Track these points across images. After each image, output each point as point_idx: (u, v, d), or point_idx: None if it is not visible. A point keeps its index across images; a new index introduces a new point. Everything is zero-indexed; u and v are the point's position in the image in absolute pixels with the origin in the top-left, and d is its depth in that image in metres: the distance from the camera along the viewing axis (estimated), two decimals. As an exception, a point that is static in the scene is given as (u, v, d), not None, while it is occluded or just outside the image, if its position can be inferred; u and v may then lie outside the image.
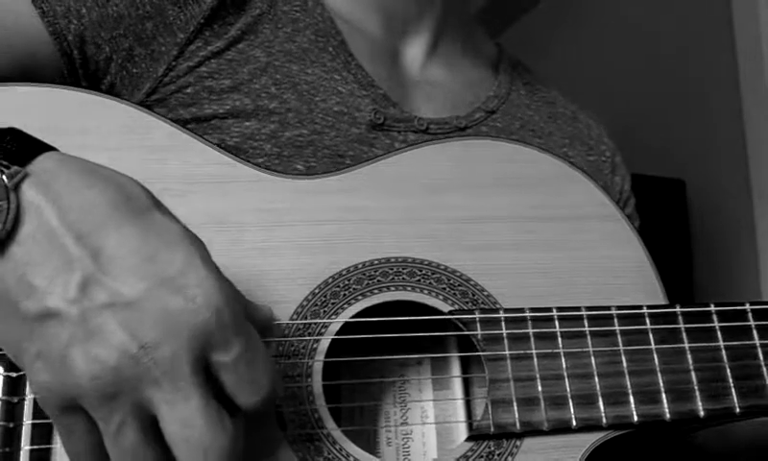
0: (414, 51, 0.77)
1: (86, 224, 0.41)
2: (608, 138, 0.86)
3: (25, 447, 0.50)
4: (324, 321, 0.56)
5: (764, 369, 0.59)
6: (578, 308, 0.59)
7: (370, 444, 0.60)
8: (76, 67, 0.64)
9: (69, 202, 0.41)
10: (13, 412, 0.50)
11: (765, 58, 1.85)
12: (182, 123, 0.64)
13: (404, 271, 0.59)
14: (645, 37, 2.21)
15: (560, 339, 0.58)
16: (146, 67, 0.65)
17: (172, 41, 0.65)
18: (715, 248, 1.94)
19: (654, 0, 2.19)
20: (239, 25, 0.68)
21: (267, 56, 0.68)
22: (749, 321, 0.60)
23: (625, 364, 0.58)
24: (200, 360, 0.40)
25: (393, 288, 0.58)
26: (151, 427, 0.40)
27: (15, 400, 0.50)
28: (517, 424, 0.55)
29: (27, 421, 0.50)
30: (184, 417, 0.39)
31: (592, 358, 0.57)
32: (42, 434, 0.50)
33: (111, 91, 0.65)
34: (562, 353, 0.57)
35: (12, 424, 0.50)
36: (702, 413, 0.57)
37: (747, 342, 0.60)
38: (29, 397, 0.50)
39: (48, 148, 0.44)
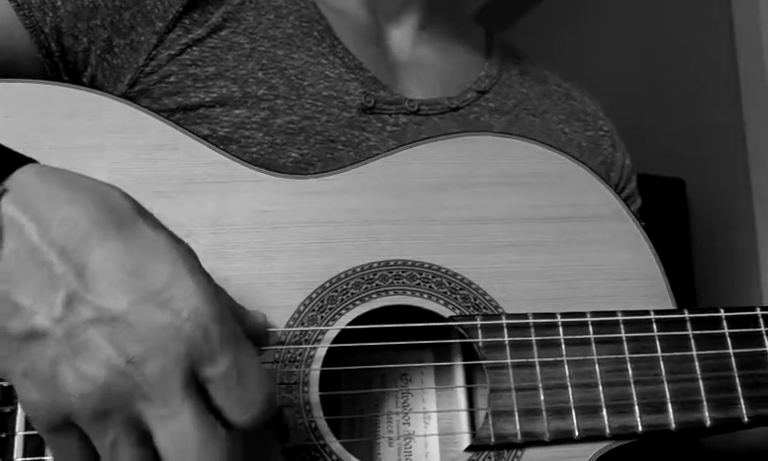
0: (401, 33, 0.77)
1: (69, 239, 0.39)
2: (603, 114, 0.84)
3: (18, 458, 0.49)
4: (321, 328, 0.55)
5: (774, 376, 0.58)
6: (583, 314, 0.57)
7: (370, 452, 0.58)
8: (55, 60, 0.63)
9: (50, 217, 0.40)
10: (6, 422, 0.49)
11: (765, 58, 1.84)
12: (169, 113, 0.63)
13: (404, 274, 0.57)
14: (645, 37, 2.20)
15: (563, 347, 0.56)
16: (126, 58, 0.64)
17: (150, 30, 0.65)
18: (715, 248, 1.93)
19: (654, 1, 2.18)
20: (220, 13, 0.67)
21: (251, 42, 0.67)
22: (760, 327, 0.59)
23: (630, 373, 0.56)
24: (190, 374, 0.39)
25: (392, 292, 0.57)
26: (145, 441, 0.39)
27: (8, 409, 0.49)
28: (519, 435, 0.54)
29: (20, 432, 0.49)
30: (177, 431, 0.38)
31: (597, 367, 0.56)
32: (35, 445, 0.49)
33: (93, 84, 0.65)
34: (565, 362, 0.56)
35: (4, 435, 0.49)
36: (708, 423, 0.56)
37: (757, 349, 0.58)
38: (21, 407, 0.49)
39: (26, 160, 0.43)
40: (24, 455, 0.49)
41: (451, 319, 0.56)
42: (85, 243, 0.39)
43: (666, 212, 1.87)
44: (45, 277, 0.39)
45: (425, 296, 0.57)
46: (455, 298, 0.57)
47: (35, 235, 0.39)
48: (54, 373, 0.38)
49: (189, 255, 0.42)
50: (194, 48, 0.65)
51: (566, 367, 0.56)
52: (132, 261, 0.39)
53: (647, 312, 0.58)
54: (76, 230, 0.39)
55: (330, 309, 0.55)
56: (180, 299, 0.39)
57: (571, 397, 0.55)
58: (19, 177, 0.41)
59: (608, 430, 0.55)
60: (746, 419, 0.57)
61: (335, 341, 0.55)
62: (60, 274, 0.39)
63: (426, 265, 0.58)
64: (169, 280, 0.39)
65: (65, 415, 0.39)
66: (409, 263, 0.58)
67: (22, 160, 0.43)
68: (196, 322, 0.38)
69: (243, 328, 0.48)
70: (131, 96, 0.64)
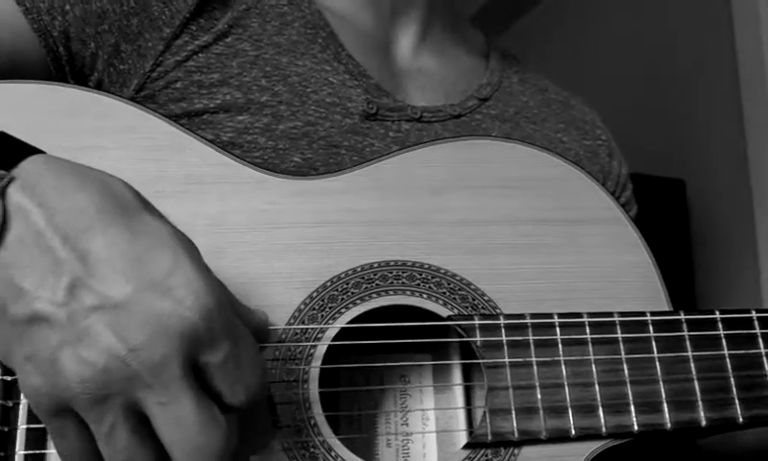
0: (404, 40, 0.77)
1: (74, 226, 0.40)
2: (601, 123, 0.85)
3: (20, 451, 0.49)
4: (321, 326, 0.55)
5: (769, 378, 0.58)
6: (580, 315, 0.58)
7: (368, 450, 0.59)
8: (62, 64, 0.64)
9: (56, 204, 0.40)
10: (8, 416, 0.50)
11: (765, 58, 1.84)
12: (174, 119, 0.64)
13: (404, 275, 0.58)
14: (645, 37, 2.21)
15: (560, 346, 0.57)
16: (133, 64, 0.65)
17: (158, 37, 0.65)
18: (715, 248, 1.93)
19: (654, 1, 2.19)
20: (226, 19, 0.68)
21: (256, 49, 0.68)
22: (755, 329, 0.60)
23: (626, 372, 0.57)
24: (189, 361, 0.39)
25: (392, 292, 0.57)
26: (143, 427, 0.40)
27: (10, 403, 0.50)
28: (515, 433, 0.55)
29: (21, 425, 0.50)
30: (177, 417, 0.39)
31: (593, 366, 0.57)
32: (37, 438, 0.50)
33: (99, 88, 0.65)
34: (562, 361, 0.56)
35: (6, 428, 0.49)
36: (704, 423, 0.57)
37: (752, 351, 0.59)
38: (23, 401, 0.50)
39: (34, 150, 0.44)
40: (26, 449, 0.49)
41: (450, 318, 0.57)
42: (90, 230, 0.40)
43: (666, 212, 1.88)
44: (49, 262, 0.39)
45: (425, 296, 0.58)
46: (454, 298, 0.58)
47: (41, 221, 0.40)
48: (55, 358, 0.39)
49: (192, 247, 0.42)
50: (200, 55, 0.66)
51: (563, 366, 0.56)
52: (136, 249, 0.40)
53: (643, 313, 0.59)
54: (81, 217, 0.40)
55: (331, 308, 0.56)
56: (183, 286, 0.39)
57: (568, 396, 0.56)
58: (27, 166, 0.42)
59: (604, 429, 0.55)
60: (741, 419, 0.57)
61: (335, 339, 0.55)
62: (63, 259, 0.39)
63: (426, 266, 0.58)
64: (171, 269, 0.40)
65: (65, 400, 0.39)
66: (409, 264, 0.58)
67: (30, 151, 0.44)
68: (198, 310, 0.39)
69: (244, 324, 0.49)
70: (137, 101, 0.64)
